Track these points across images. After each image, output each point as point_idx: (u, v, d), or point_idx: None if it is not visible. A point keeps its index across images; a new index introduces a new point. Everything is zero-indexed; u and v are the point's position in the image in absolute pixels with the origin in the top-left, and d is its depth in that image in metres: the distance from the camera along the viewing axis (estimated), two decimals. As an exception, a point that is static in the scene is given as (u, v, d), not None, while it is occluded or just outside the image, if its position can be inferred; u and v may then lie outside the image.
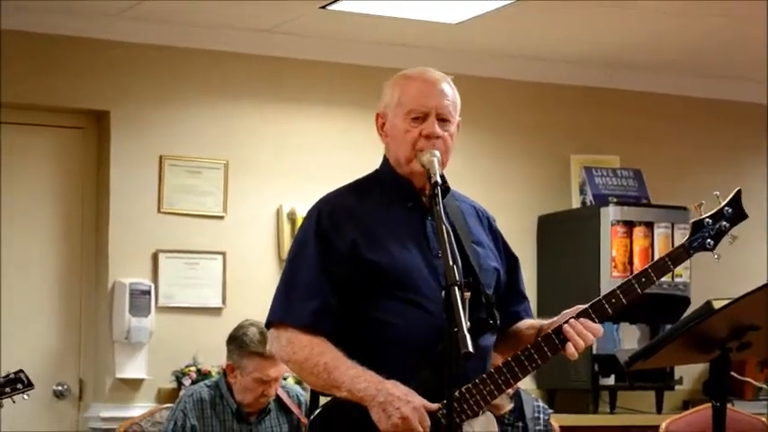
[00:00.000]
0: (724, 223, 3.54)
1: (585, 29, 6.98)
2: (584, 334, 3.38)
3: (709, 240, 3.53)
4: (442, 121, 3.44)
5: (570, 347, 3.37)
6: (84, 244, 6.85)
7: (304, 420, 5.16)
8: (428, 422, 3.25)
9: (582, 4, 6.54)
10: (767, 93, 7.94)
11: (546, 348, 3.39)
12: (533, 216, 7.61)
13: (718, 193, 3.61)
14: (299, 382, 5.75)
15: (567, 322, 3.39)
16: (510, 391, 4.15)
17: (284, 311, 3.40)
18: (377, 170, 3.58)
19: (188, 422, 5.07)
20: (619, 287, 3.44)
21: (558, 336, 3.39)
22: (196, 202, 6.91)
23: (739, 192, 3.58)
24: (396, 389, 3.26)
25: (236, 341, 5.13)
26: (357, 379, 3.28)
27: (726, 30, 6.94)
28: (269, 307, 3.46)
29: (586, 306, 3.42)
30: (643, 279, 3.44)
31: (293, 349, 3.36)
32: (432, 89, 3.46)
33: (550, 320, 3.47)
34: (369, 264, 3.36)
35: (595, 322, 3.41)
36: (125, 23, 6.76)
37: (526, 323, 3.59)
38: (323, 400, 3.40)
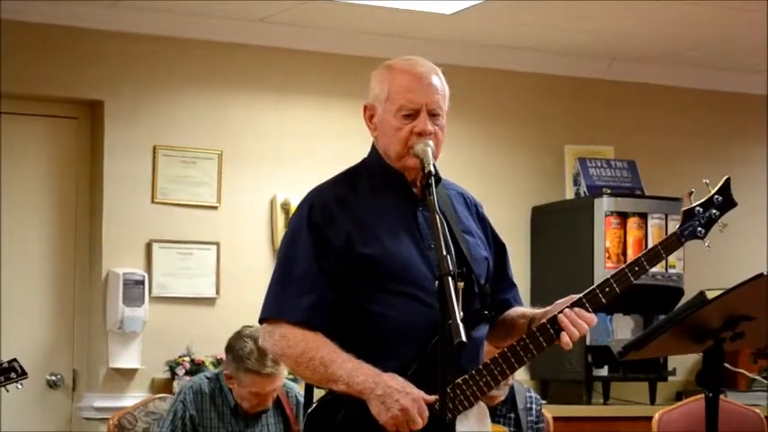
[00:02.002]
0: (714, 211, 3.54)
1: (581, 20, 6.97)
2: (578, 323, 3.37)
3: (700, 229, 3.52)
4: (433, 115, 3.40)
5: (565, 337, 3.36)
6: (77, 234, 6.84)
7: (295, 428, 5.12)
8: (427, 413, 3.23)
9: (577, -5, 6.55)
10: (767, 83, 7.94)
11: (541, 338, 3.38)
12: (527, 207, 7.61)
13: (707, 181, 3.61)
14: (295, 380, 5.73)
15: (561, 312, 3.39)
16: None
17: (278, 307, 3.36)
18: (365, 160, 3.54)
19: (187, 413, 5.06)
20: (612, 276, 3.44)
21: (554, 325, 3.38)
22: (190, 192, 6.90)
23: (728, 180, 3.59)
24: (393, 381, 3.24)
25: (233, 353, 5.03)
26: (354, 372, 3.25)
27: (725, 20, 6.92)
28: (262, 303, 3.40)
29: (580, 296, 3.41)
30: (636, 268, 3.44)
31: (288, 344, 3.32)
32: (421, 84, 3.40)
33: (542, 309, 3.47)
34: (364, 257, 3.32)
35: (589, 312, 3.40)
36: (119, 13, 6.75)
37: (517, 311, 3.58)
38: (317, 394, 3.38)
